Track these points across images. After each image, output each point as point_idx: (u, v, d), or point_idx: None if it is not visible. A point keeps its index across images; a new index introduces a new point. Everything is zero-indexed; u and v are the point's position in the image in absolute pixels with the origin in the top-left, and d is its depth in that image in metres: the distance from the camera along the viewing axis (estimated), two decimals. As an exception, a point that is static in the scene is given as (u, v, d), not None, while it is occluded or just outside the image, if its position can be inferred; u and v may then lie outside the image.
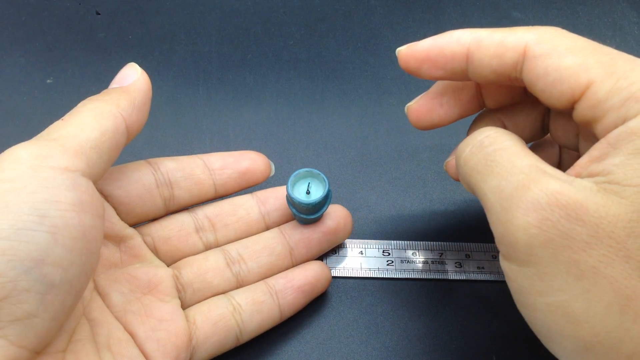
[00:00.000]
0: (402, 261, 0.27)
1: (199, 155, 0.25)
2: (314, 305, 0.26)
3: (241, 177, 0.25)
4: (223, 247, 0.25)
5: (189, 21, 0.35)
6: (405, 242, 0.28)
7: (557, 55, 0.18)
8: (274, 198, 0.26)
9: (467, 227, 0.29)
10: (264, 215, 0.26)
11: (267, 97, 0.33)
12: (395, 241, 0.28)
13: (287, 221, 0.26)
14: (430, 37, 0.21)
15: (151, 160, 0.24)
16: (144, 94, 0.21)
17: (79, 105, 0.20)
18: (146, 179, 0.24)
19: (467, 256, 0.28)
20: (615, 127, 0.16)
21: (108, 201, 0.23)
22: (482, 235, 0.28)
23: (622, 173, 0.16)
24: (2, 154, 0.17)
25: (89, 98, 0.21)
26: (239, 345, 0.24)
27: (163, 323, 0.22)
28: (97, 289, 0.22)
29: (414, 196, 0.30)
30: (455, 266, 0.27)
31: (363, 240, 0.28)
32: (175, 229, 0.25)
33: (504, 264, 0.17)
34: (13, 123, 0.32)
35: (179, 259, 0.25)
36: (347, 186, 0.30)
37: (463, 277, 0.27)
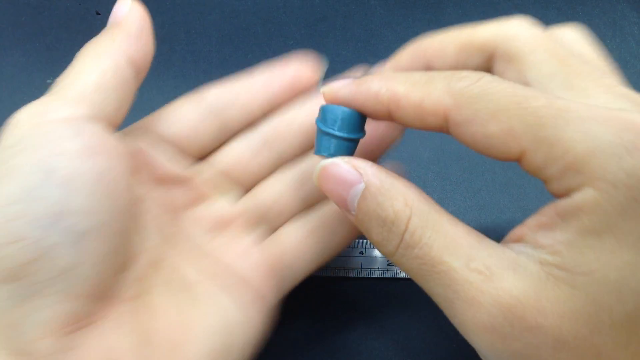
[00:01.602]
0: (402, 261, 0.27)
1: (241, 78, 0.24)
2: (315, 305, 0.26)
3: (289, 89, 0.23)
4: (288, 165, 0.24)
5: (189, 21, 0.35)
6: (406, 242, 0.28)
7: (480, 122, 0.15)
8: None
9: (467, 227, 0.29)
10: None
11: (267, 97, 0.33)
12: (395, 241, 0.28)
13: None
14: (346, 83, 0.19)
15: (195, 93, 0.23)
16: (138, 22, 0.20)
17: (77, 55, 0.20)
18: (194, 113, 0.22)
19: (467, 256, 0.28)
20: (560, 194, 0.15)
21: (159, 144, 0.22)
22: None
23: (571, 258, 0.14)
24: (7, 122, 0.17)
25: (85, 45, 0.20)
26: (334, 257, 0.23)
27: (243, 258, 0.21)
28: (166, 234, 0.21)
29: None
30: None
31: (363, 240, 0.28)
32: (235, 157, 0.23)
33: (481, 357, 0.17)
34: (13, 123, 0.32)
35: (247, 188, 0.23)
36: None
37: (463, 277, 0.27)
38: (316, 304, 0.26)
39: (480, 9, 0.37)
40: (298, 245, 0.23)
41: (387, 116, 0.18)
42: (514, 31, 0.18)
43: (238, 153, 0.23)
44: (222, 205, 0.22)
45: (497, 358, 0.15)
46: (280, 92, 0.23)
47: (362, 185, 0.17)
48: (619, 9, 0.37)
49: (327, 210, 0.23)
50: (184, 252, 0.21)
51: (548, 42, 0.18)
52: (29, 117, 0.17)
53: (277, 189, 0.23)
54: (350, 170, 0.17)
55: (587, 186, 0.14)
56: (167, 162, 0.22)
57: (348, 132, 0.19)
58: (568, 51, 0.18)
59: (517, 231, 0.16)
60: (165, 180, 0.21)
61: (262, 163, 0.23)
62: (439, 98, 0.16)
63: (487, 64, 0.19)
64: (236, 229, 0.22)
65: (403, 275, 0.27)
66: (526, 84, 0.18)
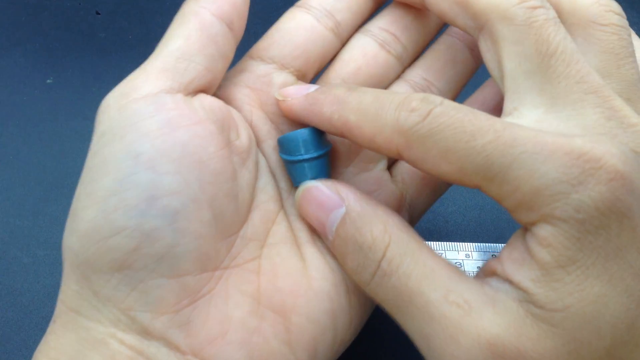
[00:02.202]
0: (402, 261, 0.27)
1: None
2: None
3: None
4: (409, 71, 0.22)
5: (189, 21, 0.35)
6: (405, 242, 0.28)
7: (432, 162, 0.15)
8: None
9: (467, 227, 0.29)
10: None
11: (267, 97, 0.33)
12: (395, 241, 0.28)
13: None
14: (300, 97, 0.19)
15: (297, 3, 0.21)
16: None
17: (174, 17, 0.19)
18: (305, 21, 0.21)
19: (467, 256, 0.28)
20: (522, 223, 0.15)
21: (277, 72, 0.20)
22: (482, 235, 0.28)
23: (543, 294, 0.14)
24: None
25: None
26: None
27: (373, 194, 0.20)
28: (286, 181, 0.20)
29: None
30: (456, 266, 0.27)
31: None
32: (360, 57, 0.21)
33: None
34: (13, 123, 0.32)
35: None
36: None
37: (463, 277, 0.27)
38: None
39: (480, 9, 0.37)
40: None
41: (342, 136, 0.18)
42: (512, 11, 0.17)
43: (362, 53, 0.21)
44: None
45: None
46: None
47: (342, 210, 0.17)
48: (619, 9, 0.37)
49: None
50: None
51: (541, 31, 0.17)
52: (115, 100, 0.17)
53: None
54: (332, 195, 0.17)
55: (544, 221, 0.14)
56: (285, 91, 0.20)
57: (315, 149, 0.19)
58: (560, 45, 0.17)
59: (493, 265, 0.16)
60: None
61: (389, 61, 0.21)
62: (390, 136, 0.16)
63: (476, 32, 0.18)
64: (364, 162, 0.21)
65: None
66: (502, 73, 0.17)
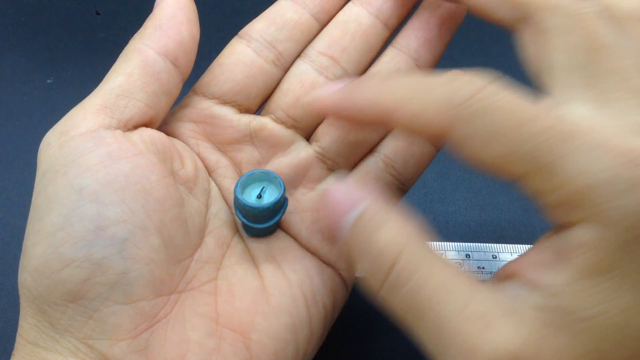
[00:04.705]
0: (402, 261, 0.27)
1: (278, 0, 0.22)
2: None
3: None
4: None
5: (189, 21, 0.35)
6: (406, 242, 0.28)
7: (479, 142, 0.14)
8: None
9: (467, 227, 0.29)
10: (376, 16, 0.21)
11: (267, 97, 0.33)
12: (395, 241, 0.28)
13: (405, 14, 0.22)
14: (336, 90, 0.18)
15: (239, 33, 0.21)
16: (169, 10, 0.19)
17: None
18: (245, 55, 0.21)
19: (467, 256, 0.28)
20: (558, 223, 0.14)
21: (219, 105, 0.21)
22: (482, 235, 0.28)
23: (573, 300, 0.13)
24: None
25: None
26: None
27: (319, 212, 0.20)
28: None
29: (414, 197, 0.30)
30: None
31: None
32: (297, 87, 0.21)
33: None
34: (13, 123, 0.32)
35: (317, 122, 0.21)
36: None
37: (463, 277, 0.27)
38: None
39: (480, 9, 0.37)
40: (383, 181, 0.21)
41: (380, 123, 0.17)
42: (561, 1, 0.16)
43: (299, 81, 0.21)
44: (298, 154, 0.21)
45: None
46: None
47: (357, 212, 0.16)
48: (619, 9, 0.37)
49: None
50: None
51: (591, 24, 0.16)
52: (55, 138, 0.17)
53: None
54: (350, 196, 0.17)
55: (588, 222, 0.13)
56: (231, 122, 0.20)
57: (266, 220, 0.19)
58: (610, 39, 0.16)
59: (512, 266, 0.15)
60: (231, 142, 0.21)
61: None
62: (439, 111, 0.15)
63: (518, 24, 0.17)
64: (317, 178, 0.21)
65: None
66: (549, 65, 0.16)
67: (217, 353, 0.17)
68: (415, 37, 0.21)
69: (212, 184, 0.20)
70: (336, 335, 0.26)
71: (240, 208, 0.19)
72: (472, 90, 0.15)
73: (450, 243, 0.28)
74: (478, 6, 0.18)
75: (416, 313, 0.15)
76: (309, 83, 0.21)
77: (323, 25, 0.22)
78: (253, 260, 0.19)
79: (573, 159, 0.13)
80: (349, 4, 0.22)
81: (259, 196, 0.19)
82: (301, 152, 0.21)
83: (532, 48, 0.17)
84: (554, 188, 0.14)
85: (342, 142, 0.21)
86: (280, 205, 0.19)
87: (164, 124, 0.20)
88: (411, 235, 0.16)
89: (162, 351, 0.17)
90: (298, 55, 0.22)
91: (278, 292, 0.18)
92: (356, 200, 0.16)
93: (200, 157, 0.20)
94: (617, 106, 0.15)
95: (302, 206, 0.20)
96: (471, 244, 0.28)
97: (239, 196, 0.19)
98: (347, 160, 0.21)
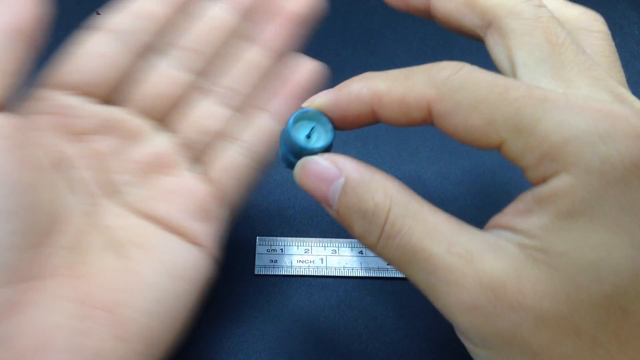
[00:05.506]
0: (402, 261, 0.28)
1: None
2: (314, 305, 0.26)
3: None
4: (214, 83, 0.23)
5: (189, 21, 0.35)
6: (405, 242, 0.28)
7: (462, 113, 0.16)
8: None
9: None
10: (236, 11, 0.23)
11: (267, 97, 0.33)
12: (395, 241, 0.28)
13: (264, 9, 0.23)
14: (327, 92, 0.19)
15: (95, 25, 0.22)
16: None
17: None
18: (101, 46, 0.21)
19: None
20: (537, 181, 0.15)
21: (72, 95, 0.21)
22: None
23: (548, 240, 0.15)
24: None
25: None
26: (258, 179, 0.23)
27: (187, 196, 0.21)
28: (96, 191, 0.20)
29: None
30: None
31: (363, 240, 0.28)
32: (155, 78, 0.22)
33: (462, 341, 0.17)
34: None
35: (171, 113, 0.22)
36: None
37: (463, 277, 0.27)
38: (316, 304, 0.26)
39: (480, 9, 0.37)
40: (237, 166, 0.22)
41: (370, 117, 0.18)
42: (520, 8, 0.18)
43: (158, 79, 0.22)
44: (155, 143, 0.22)
45: (480, 338, 0.16)
46: None
47: (342, 180, 0.17)
48: (619, 9, 0.37)
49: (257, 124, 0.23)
50: (118, 205, 0.21)
51: (548, 25, 0.18)
52: None
53: (203, 111, 0.22)
54: (330, 166, 0.18)
55: (563, 172, 0.15)
56: (86, 112, 0.21)
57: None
58: (566, 38, 0.18)
59: (497, 218, 0.16)
60: (86, 132, 0.21)
61: (186, 82, 0.22)
62: (421, 90, 0.16)
63: (483, 30, 0.19)
64: (174, 165, 0.22)
65: (404, 275, 0.27)
66: (513, 64, 0.18)
67: (88, 334, 0.17)
68: (273, 32, 0.23)
69: (72, 172, 0.20)
70: (337, 335, 0.26)
71: (290, 143, 0.19)
72: (450, 70, 0.16)
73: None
74: (447, 18, 0.20)
75: (409, 259, 0.16)
76: (167, 75, 0.22)
77: (182, 19, 0.22)
78: (115, 244, 0.20)
79: (549, 118, 0.15)
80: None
81: (308, 136, 0.20)
82: (159, 141, 0.22)
83: (498, 49, 0.19)
84: (533, 147, 0.15)
85: (200, 132, 0.22)
86: (326, 150, 0.19)
87: (18, 115, 0.20)
88: (396, 190, 0.17)
89: (26, 339, 0.16)
90: (157, 49, 0.22)
91: (143, 269, 0.19)
92: (338, 169, 0.17)
93: (55, 148, 0.20)
94: (583, 91, 0.17)
95: (168, 189, 0.21)
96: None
97: (291, 132, 0.19)
98: (206, 148, 0.22)
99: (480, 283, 0.15)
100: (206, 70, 0.23)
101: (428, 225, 0.16)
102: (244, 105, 0.23)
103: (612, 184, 0.14)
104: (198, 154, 0.22)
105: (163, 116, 0.22)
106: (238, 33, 0.23)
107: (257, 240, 0.28)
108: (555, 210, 0.15)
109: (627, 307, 0.15)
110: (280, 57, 0.23)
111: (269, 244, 0.28)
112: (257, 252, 0.28)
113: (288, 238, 0.28)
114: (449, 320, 0.16)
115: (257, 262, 0.27)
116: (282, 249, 0.28)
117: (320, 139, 0.19)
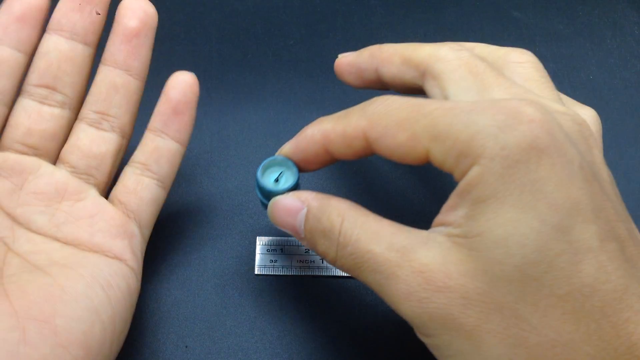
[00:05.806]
0: (402, 261, 0.28)
1: None
2: (314, 305, 0.26)
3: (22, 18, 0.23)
4: (82, 110, 0.24)
5: (189, 21, 0.35)
6: (405, 242, 0.28)
7: (391, 134, 0.18)
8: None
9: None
10: (72, 39, 0.24)
11: (267, 97, 0.33)
12: (395, 241, 0.28)
13: (99, 29, 0.25)
14: (291, 140, 0.22)
15: None
16: None
17: None
18: None
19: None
20: (460, 179, 0.17)
21: None
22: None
23: (467, 225, 0.17)
24: None
25: None
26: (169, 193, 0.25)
27: (96, 217, 0.23)
28: (13, 224, 0.22)
29: (414, 197, 0.30)
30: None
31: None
32: (25, 119, 0.23)
33: (418, 335, 0.18)
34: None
35: (58, 147, 0.24)
36: (346, 187, 0.30)
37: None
38: (316, 304, 0.26)
39: (480, 9, 0.37)
40: (142, 184, 0.24)
41: (326, 156, 0.21)
42: (443, 54, 0.22)
43: (30, 109, 0.23)
44: (52, 175, 0.23)
45: (422, 325, 0.17)
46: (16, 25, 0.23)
47: (305, 210, 0.21)
48: (619, 9, 0.37)
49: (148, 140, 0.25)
50: (32, 233, 0.22)
51: (468, 61, 0.21)
52: None
53: (89, 138, 0.24)
54: (294, 200, 0.21)
55: (474, 165, 0.17)
56: None
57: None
58: (485, 67, 0.21)
59: (436, 218, 0.18)
60: None
61: (57, 114, 0.24)
62: (357, 122, 0.19)
63: (421, 79, 0.22)
64: (74, 194, 0.23)
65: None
66: (446, 97, 0.21)
67: (24, 343, 0.18)
68: (118, 50, 0.24)
69: None
70: (337, 335, 0.26)
71: (260, 188, 0.23)
72: (378, 102, 0.19)
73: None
74: (393, 79, 0.24)
75: (360, 262, 0.18)
76: (35, 113, 0.23)
77: (29, 55, 0.24)
78: (34, 266, 0.21)
79: (458, 121, 0.17)
80: (45, 35, 0.24)
81: (277, 180, 0.23)
82: (53, 173, 0.23)
83: (434, 90, 0.22)
84: (449, 149, 0.17)
85: (88, 158, 0.24)
86: (293, 190, 0.23)
87: None
88: (347, 208, 0.20)
89: None
90: (17, 91, 0.24)
91: (72, 281, 0.20)
92: (301, 202, 0.21)
93: None
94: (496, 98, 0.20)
95: (76, 214, 0.23)
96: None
97: (259, 178, 0.23)
98: (101, 172, 0.24)
99: (412, 271, 0.17)
100: (72, 100, 0.24)
101: (372, 231, 0.19)
102: (121, 124, 0.25)
103: (513, 166, 0.16)
104: (99, 177, 0.24)
105: (49, 151, 0.24)
106: (86, 58, 0.24)
107: (257, 240, 0.28)
108: (471, 199, 0.17)
109: (540, 277, 0.16)
110: (135, 73, 0.24)
111: (269, 244, 0.28)
112: (257, 252, 0.28)
113: (288, 238, 0.28)
114: (397, 313, 0.18)
115: (257, 262, 0.27)
116: (282, 249, 0.28)
117: (287, 181, 0.23)
